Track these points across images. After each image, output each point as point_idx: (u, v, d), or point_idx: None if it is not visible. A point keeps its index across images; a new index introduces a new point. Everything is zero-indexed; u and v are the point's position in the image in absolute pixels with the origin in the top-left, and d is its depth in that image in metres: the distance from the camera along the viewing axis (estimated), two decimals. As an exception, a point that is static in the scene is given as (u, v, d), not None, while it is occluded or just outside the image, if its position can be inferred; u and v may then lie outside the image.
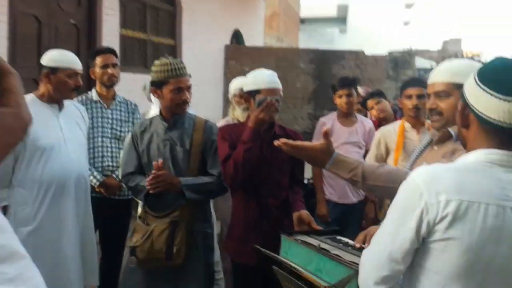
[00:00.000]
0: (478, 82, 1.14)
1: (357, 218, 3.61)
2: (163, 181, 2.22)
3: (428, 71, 9.64)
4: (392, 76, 8.35)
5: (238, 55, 8.26)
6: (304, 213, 2.21)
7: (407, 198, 1.13)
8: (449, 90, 1.71)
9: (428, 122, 2.97)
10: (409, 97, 2.87)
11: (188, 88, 2.35)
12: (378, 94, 4.01)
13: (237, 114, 3.38)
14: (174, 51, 6.61)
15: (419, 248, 1.14)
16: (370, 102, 3.96)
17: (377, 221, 3.56)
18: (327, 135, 1.58)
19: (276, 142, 1.60)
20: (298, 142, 1.58)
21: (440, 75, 1.75)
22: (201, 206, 2.42)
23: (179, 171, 2.35)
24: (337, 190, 3.52)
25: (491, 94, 1.11)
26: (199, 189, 2.31)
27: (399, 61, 8.35)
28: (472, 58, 9.91)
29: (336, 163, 1.55)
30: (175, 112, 2.37)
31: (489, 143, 1.15)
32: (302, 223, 2.20)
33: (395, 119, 3.96)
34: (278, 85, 2.31)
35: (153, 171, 2.21)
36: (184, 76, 2.32)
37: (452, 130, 1.78)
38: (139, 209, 2.78)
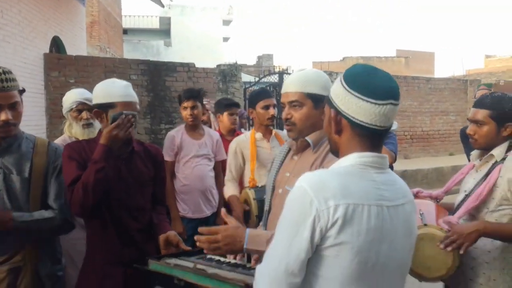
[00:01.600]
0: (348, 89, 1.19)
1: (211, 229, 3.66)
2: None
3: (252, 84, 10.40)
4: (222, 89, 8.75)
5: (61, 65, 7.46)
6: (172, 234, 2.08)
7: (298, 207, 1.12)
8: (301, 99, 1.80)
9: (274, 130, 3.22)
10: (266, 107, 3.02)
11: (12, 105, 1.91)
12: (236, 105, 4.09)
13: (75, 131, 3.03)
14: (-20, 59, 5.61)
15: (312, 256, 1.14)
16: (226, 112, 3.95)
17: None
18: (228, 207, 1.53)
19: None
20: (213, 228, 1.51)
21: (292, 85, 1.81)
22: (50, 244, 2.08)
23: (18, 206, 1.95)
24: (190, 205, 3.50)
25: (362, 99, 1.17)
26: (37, 228, 1.94)
27: (227, 74, 8.81)
28: (283, 71, 11.10)
29: (252, 238, 1.45)
30: None
31: (361, 146, 1.21)
32: (170, 245, 2.07)
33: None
34: (135, 98, 2.11)
35: None
36: (5, 91, 1.87)
37: (310, 139, 1.84)
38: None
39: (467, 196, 2.06)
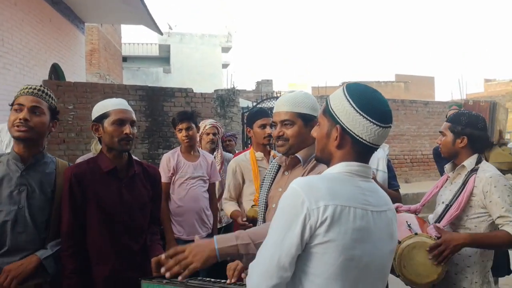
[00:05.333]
0: (358, 110, 1.28)
1: (206, 252, 3.62)
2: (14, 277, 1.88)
3: (250, 108, 10.48)
4: (220, 113, 8.82)
5: (60, 92, 7.52)
6: (163, 257, 2.10)
7: (290, 206, 1.21)
8: (292, 118, 1.92)
9: (273, 152, 3.21)
10: (263, 126, 3.06)
11: (32, 108, 2.02)
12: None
13: (99, 147, 3.10)
14: (-19, 85, 5.69)
15: (301, 254, 1.22)
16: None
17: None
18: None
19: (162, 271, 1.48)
20: (179, 247, 1.48)
21: (284, 106, 1.94)
22: None
23: (36, 224, 1.99)
24: (185, 227, 3.49)
25: (370, 121, 1.28)
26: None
27: (225, 99, 8.89)
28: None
29: (220, 238, 1.48)
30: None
31: (354, 159, 1.32)
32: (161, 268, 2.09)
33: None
34: (129, 107, 2.19)
35: None
36: (29, 94, 2.02)
37: (300, 156, 1.94)
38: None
39: (447, 206, 2.24)
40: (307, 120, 1.92)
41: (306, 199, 1.19)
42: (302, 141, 1.94)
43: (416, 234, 2.07)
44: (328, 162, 1.37)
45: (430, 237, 2.07)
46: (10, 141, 2.60)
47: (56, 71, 8.67)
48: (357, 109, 1.28)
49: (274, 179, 2.09)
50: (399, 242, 2.02)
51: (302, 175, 1.88)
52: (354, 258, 1.21)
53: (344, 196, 1.23)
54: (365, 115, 1.27)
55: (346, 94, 1.31)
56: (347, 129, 1.30)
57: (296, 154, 1.95)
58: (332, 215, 1.18)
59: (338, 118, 1.31)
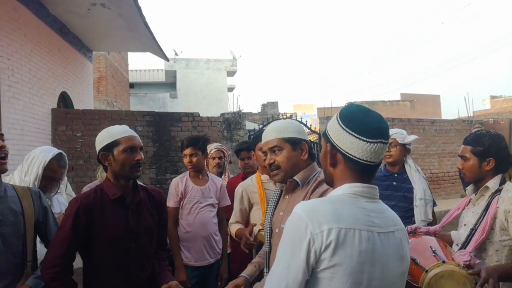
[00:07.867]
0: (343, 126, 1.31)
1: (215, 278, 3.57)
2: None
3: (257, 131, 10.49)
4: (227, 137, 8.84)
5: (68, 119, 7.62)
6: (174, 284, 2.09)
7: (294, 232, 1.20)
8: (280, 144, 1.97)
9: None
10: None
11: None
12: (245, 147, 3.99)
13: (105, 175, 3.12)
14: (-9, 115, 5.75)
15: (309, 280, 1.20)
16: (243, 153, 3.93)
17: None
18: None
19: None
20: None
21: (270, 134, 2.01)
22: None
23: (12, 251, 1.95)
24: (193, 253, 3.45)
25: (355, 136, 1.28)
26: None
27: (231, 122, 8.93)
28: (287, 118, 11.24)
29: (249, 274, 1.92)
30: None
31: (353, 178, 1.31)
32: None
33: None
34: (136, 134, 2.19)
35: None
36: None
37: (298, 179, 1.97)
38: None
39: (472, 230, 2.12)
40: (295, 144, 1.97)
41: (309, 223, 1.18)
42: (294, 165, 1.97)
43: (443, 262, 1.95)
44: (332, 184, 1.38)
45: (458, 265, 1.94)
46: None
47: (64, 99, 8.78)
48: (342, 126, 1.30)
49: (277, 203, 2.11)
50: (426, 271, 1.91)
51: (304, 198, 1.92)
52: (363, 282, 1.19)
53: (348, 218, 1.21)
54: (349, 131, 1.29)
55: (338, 114, 1.35)
56: (337, 146, 1.31)
57: (294, 177, 1.98)
58: (336, 238, 1.17)
59: (330, 136, 1.34)
